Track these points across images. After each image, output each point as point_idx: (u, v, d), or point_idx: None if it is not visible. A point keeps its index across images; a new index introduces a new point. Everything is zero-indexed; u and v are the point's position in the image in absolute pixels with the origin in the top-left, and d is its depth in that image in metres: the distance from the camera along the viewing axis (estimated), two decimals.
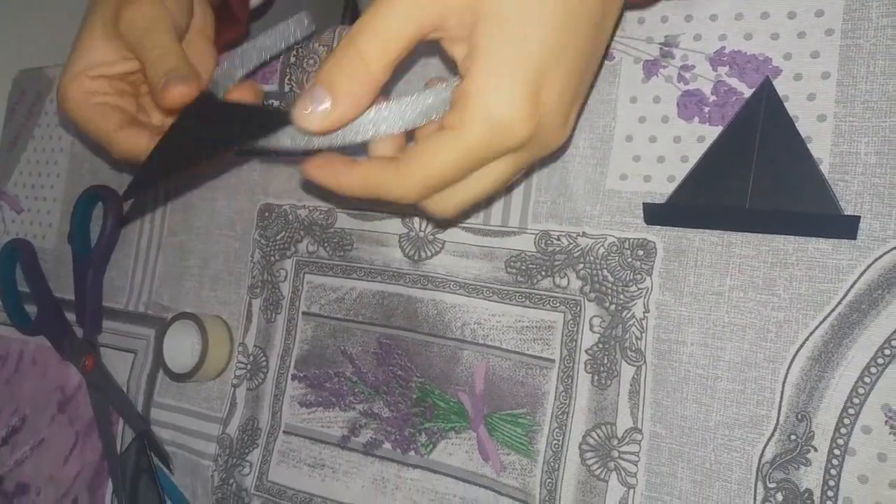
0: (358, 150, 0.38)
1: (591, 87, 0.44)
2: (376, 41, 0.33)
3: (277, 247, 0.56)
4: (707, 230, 0.42)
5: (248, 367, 0.56)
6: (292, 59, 0.58)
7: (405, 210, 0.51)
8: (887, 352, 0.37)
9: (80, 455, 0.63)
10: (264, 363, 0.55)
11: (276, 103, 0.57)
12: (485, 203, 0.49)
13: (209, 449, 0.57)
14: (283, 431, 0.54)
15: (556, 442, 0.44)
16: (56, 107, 0.51)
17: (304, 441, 0.53)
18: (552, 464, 0.44)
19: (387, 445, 0.50)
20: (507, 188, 0.48)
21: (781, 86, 0.41)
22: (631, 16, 0.46)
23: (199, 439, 0.57)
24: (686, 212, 0.42)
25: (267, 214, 0.57)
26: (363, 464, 0.50)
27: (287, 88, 0.58)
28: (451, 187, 0.36)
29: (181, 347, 0.56)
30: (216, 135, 0.41)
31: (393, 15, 0.33)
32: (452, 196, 0.37)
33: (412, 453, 0.49)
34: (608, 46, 0.41)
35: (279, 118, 0.37)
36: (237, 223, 0.59)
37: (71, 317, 0.65)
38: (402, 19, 0.33)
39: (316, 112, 0.33)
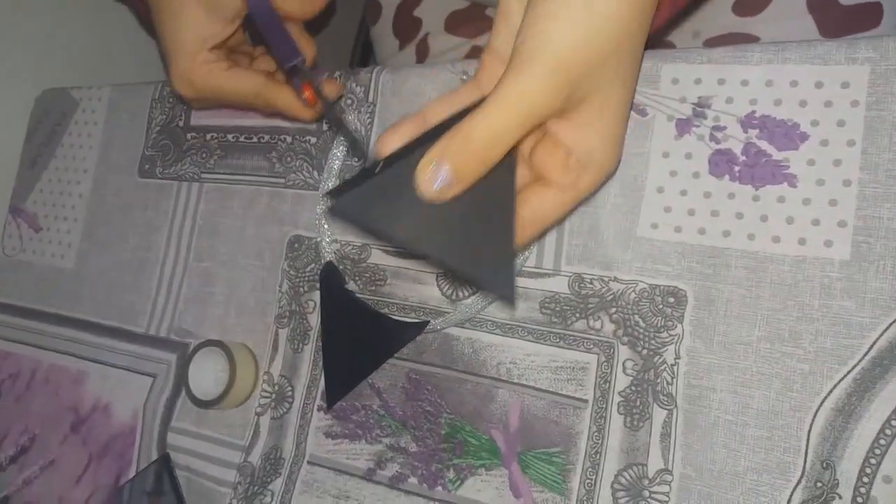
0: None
1: None
2: (498, 143, 0.36)
3: (307, 278, 0.58)
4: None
5: (273, 396, 0.57)
6: None
7: None
8: None
9: (93, 477, 0.63)
10: (290, 393, 0.56)
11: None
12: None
13: (228, 476, 0.57)
14: (308, 462, 0.55)
15: (588, 481, 0.46)
16: (174, 90, 0.53)
17: (329, 472, 0.54)
18: (585, 502, 0.46)
19: (413, 480, 0.51)
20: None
21: (809, 150, 0.44)
22: (665, 75, 0.48)
23: (218, 466, 0.58)
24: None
25: (297, 246, 0.59)
26: (388, 497, 0.51)
27: (325, 127, 0.59)
28: None
29: (207, 374, 0.57)
30: (381, 348, 0.53)
31: (515, 120, 0.36)
32: None
33: (439, 488, 0.50)
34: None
35: (421, 326, 0.52)
36: (266, 253, 0.60)
37: None
38: (519, 124, 0.36)
39: (437, 187, 0.36)
